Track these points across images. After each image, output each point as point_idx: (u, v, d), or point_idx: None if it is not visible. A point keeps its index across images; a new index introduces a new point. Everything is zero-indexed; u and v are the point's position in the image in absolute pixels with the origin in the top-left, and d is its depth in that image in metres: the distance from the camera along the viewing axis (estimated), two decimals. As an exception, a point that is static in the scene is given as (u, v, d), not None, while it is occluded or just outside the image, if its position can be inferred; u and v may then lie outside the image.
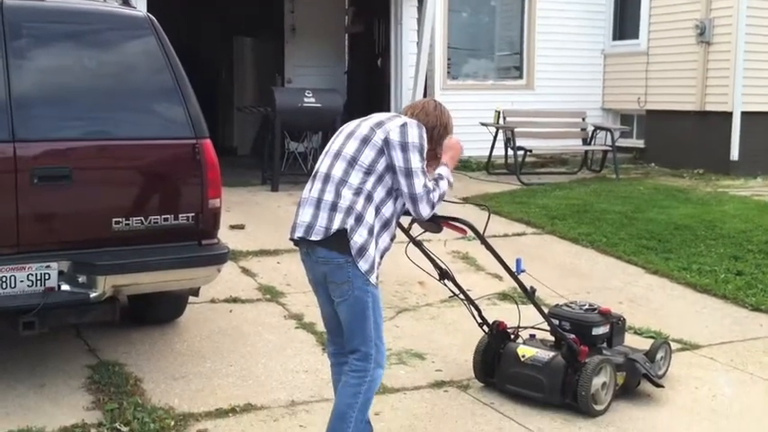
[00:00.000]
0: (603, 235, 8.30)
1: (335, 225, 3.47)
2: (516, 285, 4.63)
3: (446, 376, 4.91)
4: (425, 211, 3.59)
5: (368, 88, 13.52)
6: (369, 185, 3.53)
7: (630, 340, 5.38)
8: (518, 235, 8.45)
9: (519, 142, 11.62)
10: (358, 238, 3.47)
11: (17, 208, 4.30)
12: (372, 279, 3.53)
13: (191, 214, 4.71)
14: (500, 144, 12.04)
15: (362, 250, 3.48)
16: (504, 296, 6.12)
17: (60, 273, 4.40)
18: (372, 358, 3.57)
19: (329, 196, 3.53)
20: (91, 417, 4.23)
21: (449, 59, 13.06)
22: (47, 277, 4.36)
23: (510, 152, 11.83)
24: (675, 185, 11.25)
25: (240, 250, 7.20)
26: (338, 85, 12.87)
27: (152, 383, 4.68)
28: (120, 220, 4.55)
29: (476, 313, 4.68)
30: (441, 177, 3.70)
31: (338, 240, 3.47)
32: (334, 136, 3.74)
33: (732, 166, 12.15)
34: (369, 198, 3.52)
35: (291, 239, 3.67)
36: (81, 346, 5.16)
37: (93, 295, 4.40)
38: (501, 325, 4.76)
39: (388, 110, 11.26)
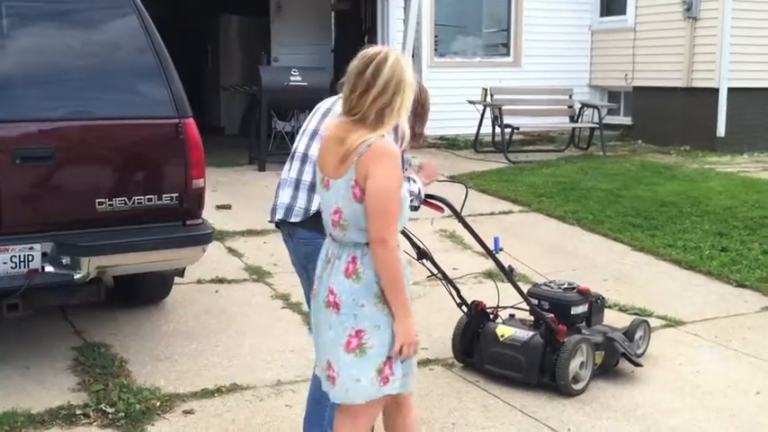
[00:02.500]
0: (590, 212, 8.32)
1: (315, 206, 3.43)
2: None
3: (431, 354, 4.92)
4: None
5: (355, 66, 13.45)
6: None
7: (615, 317, 5.41)
8: (505, 213, 8.46)
9: (506, 120, 11.60)
10: None
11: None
12: None
13: (174, 194, 4.70)
14: (487, 122, 12.03)
15: None
16: (489, 275, 6.12)
17: (44, 254, 4.38)
18: None
19: (308, 176, 3.48)
20: (76, 398, 4.23)
21: (436, 37, 13.00)
22: (30, 259, 4.35)
23: (497, 130, 11.81)
24: (662, 162, 11.28)
25: (227, 230, 7.19)
26: (325, 63, 12.79)
27: (138, 364, 4.68)
28: (104, 200, 4.53)
29: (454, 293, 4.68)
30: (413, 181, 3.74)
31: (318, 220, 3.43)
32: (311, 114, 3.70)
33: (719, 143, 12.17)
34: None
35: (271, 222, 3.64)
36: (67, 328, 5.15)
37: (77, 276, 4.40)
38: (480, 305, 4.77)
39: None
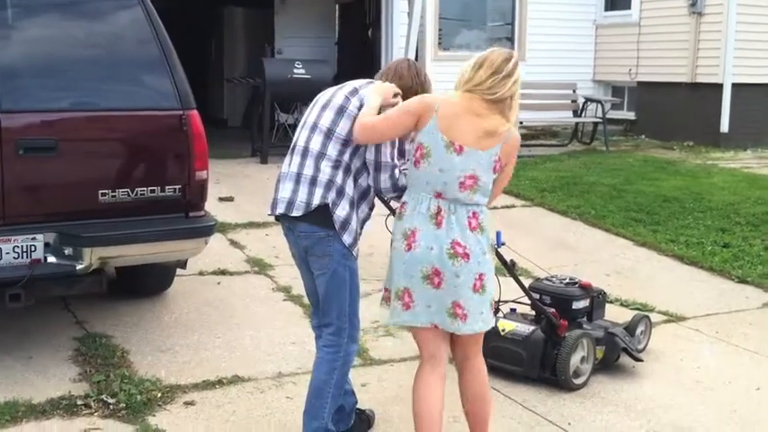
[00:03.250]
0: (592, 207, 8.32)
1: (316, 200, 3.43)
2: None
3: (433, 348, 4.92)
4: (387, 194, 3.56)
5: (358, 59, 13.44)
6: (346, 157, 3.47)
7: (617, 312, 5.42)
8: (507, 207, 8.46)
9: (509, 114, 11.56)
10: (341, 212, 3.45)
11: (2, 179, 4.28)
12: (354, 252, 3.52)
13: (177, 186, 4.70)
14: (491, 116, 12.00)
15: (345, 224, 3.46)
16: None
17: (46, 245, 4.39)
18: (346, 333, 3.54)
19: (308, 170, 3.47)
20: (78, 388, 4.24)
21: (440, 30, 12.97)
22: (33, 249, 4.35)
23: (500, 124, 11.78)
24: (665, 158, 11.26)
25: (229, 222, 7.19)
26: (328, 56, 12.80)
27: (139, 355, 4.69)
28: (107, 191, 4.54)
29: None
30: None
31: (320, 214, 3.44)
32: (310, 107, 3.68)
33: (722, 139, 12.15)
34: (347, 170, 3.48)
35: (272, 215, 3.64)
36: (69, 319, 5.16)
37: (79, 267, 4.40)
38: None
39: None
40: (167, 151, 4.77)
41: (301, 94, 10.52)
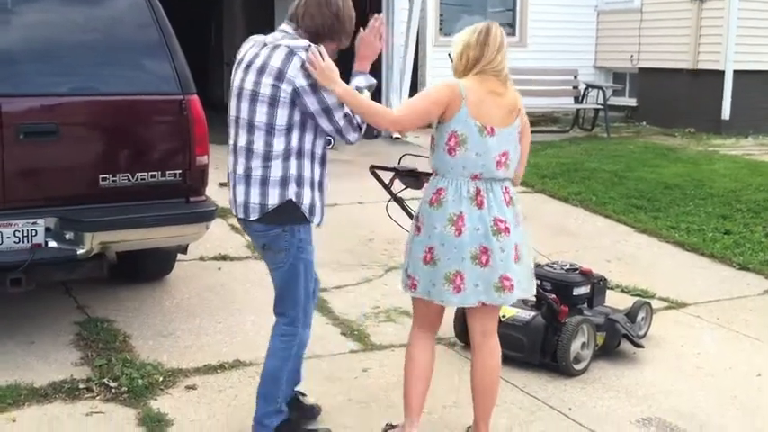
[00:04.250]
0: (593, 194, 8.32)
1: (272, 200, 3.36)
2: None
3: (434, 333, 4.93)
4: (353, 137, 3.43)
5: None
6: (294, 142, 3.35)
7: (618, 298, 5.42)
8: (508, 193, 8.44)
9: (510, 100, 11.55)
10: (305, 200, 3.40)
11: (3, 164, 4.27)
12: (309, 247, 3.49)
13: (178, 171, 4.69)
14: (491, 102, 11.98)
15: (313, 207, 3.42)
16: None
17: (47, 229, 4.39)
18: (300, 322, 3.55)
19: (257, 171, 3.36)
20: (80, 372, 4.25)
21: (441, 16, 12.93)
22: (33, 234, 4.35)
23: (501, 110, 11.76)
24: (666, 144, 11.25)
25: (229, 208, 7.16)
26: (329, 41, 12.74)
27: (141, 340, 4.69)
28: (107, 176, 4.53)
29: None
30: (359, 92, 3.42)
31: (276, 213, 3.37)
32: (234, 70, 3.47)
33: (723, 125, 12.14)
34: (299, 154, 3.36)
35: (235, 215, 3.57)
36: (70, 303, 5.17)
37: (80, 252, 4.40)
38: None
39: (380, 66, 11.15)
40: (168, 136, 4.76)
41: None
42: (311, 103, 3.31)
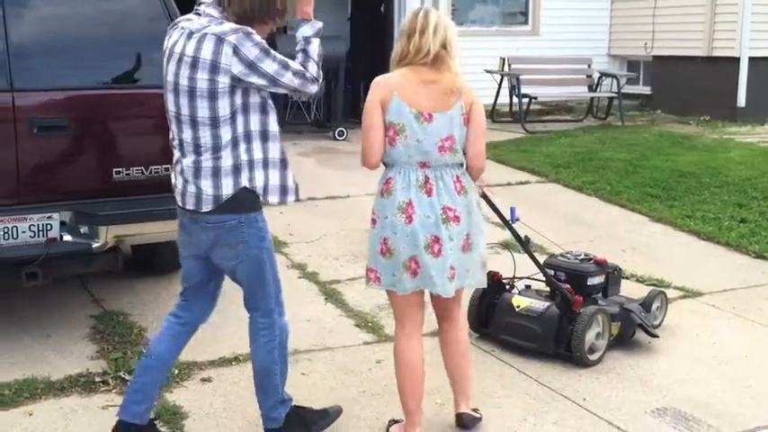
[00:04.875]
0: (608, 183, 8.28)
1: (226, 190, 3.25)
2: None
3: (448, 324, 4.93)
4: (313, 88, 3.37)
5: (371, 35, 13.37)
6: (240, 129, 3.25)
7: (633, 288, 5.40)
8: (522, 183, 8.43)
9: (524, 90, 11.52)
10: (259, 182, 3.30)
11: (17, 158, 4.30)
12: (269, 235, 3.41)
13: (191, 164, 4.69)
14: (505, 92, 11.94)
15: (267, 188, 3.33)
16: (505, 245, 6.11)
17: (62, 223, 4.41)
18: (275, 311, 3.49)
19: (208, 163, 3.25)
20: (95, 366, 4.28)
21: (453, 5, 12.88)
22: (49, 228, 4.38)
23: (515, 100, 11.74)
24: (681, 132, 11.18)
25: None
26: (341, 31, 12.71)
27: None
28: (121, 170, 4.55)
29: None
30: (307, 42, 3.38)
31: (231, 202, 3.27)
32: (170, 92, 3.29)
33: (739, 113, 12.04)
34: (247, 138, 3.27)
35: (182, 206, 3.41)
36: (86, 297, 5.20)
37: (95, 245, 4.43)
38: (496, 275, 4.76)
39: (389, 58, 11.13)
40: (181, 129, 4.76)
41: (314, 71, 10.49)
42: (256, 80, 3.21)
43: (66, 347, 4.48)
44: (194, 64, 3.19)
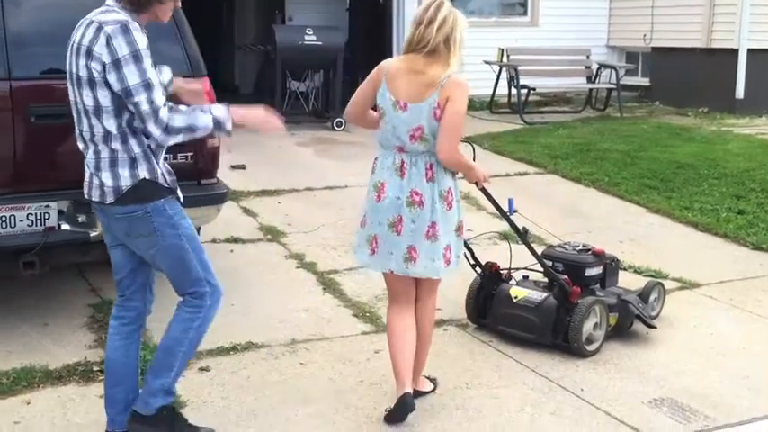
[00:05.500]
0: (606, 174, 8.28)
1: (125, 182, 3.18)
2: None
3: (445, 315, 4.94)
4: (155, 130, 3.10)
5: (370, 25, 13.35)
6: (125, 123, 3.15)
7: (631, 279, 5.41)
8: (520, 174, 8.43)
9: (522, 81, 11.51)
10: (158, 172, 3.23)
11: (15, 147, 4.29)
12: (185, 221, 3.31)
13: (189, 153, 4.69)
14: (503, 83, 11.93)
15: (172, 179, 3.29)
16: (503, 236, 6.11)
17: (60, 212, 4.40)
18: (207, 295, 3.36)
19: (105, 154, 3.18)
20: (93, 355, 4.28)
21: (452, -4, 12.83)
22: (46, 217, 4.37)
23: (513, 91, 11.73)
24: (679, 124, 11.18)
25: (241, 190, 7.20)
26: (340, 22, 12.71)
27: (154, 322, 4.64)
28: (119, 159, 4.52)
29: (468, 255, 4.67)
30: (203, 111, 3.21)
31: (133, 193, 3.20)
32: (68, 82, 3.24)
33: (737, 105, 12.04)
34: (133, 132, 3.17)
35: (87, 197, 3.35)
36: (83, 286, 5.20)
37: (93, 234, 4.41)
38: (494, 266, 4.76)
39: (390, 50, 11.11)
40: (179, 118, 4.74)
41: (313, 62, 10.50)
42: (113, 81, 3.07)
43: (64, 336, 4.48)
44: (78, 50, 3.14)
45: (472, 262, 4.70)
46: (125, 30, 3.07)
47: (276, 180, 7.52)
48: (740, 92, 12.00)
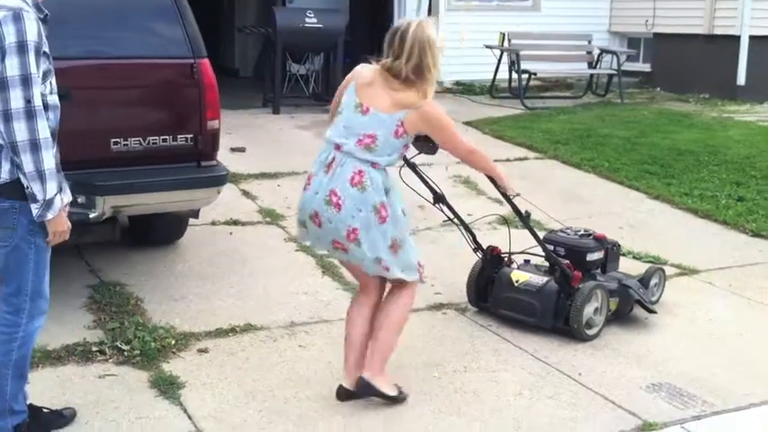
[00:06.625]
0: (606, 160, 8.26)
1: (2, 175, 3.04)
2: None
3: (445, 299, 4.94)
4: (18, 129, 2.95)
5: (371, 8, 13.29)
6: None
7: (630, 265, 5.41)
8: (520, 160, 8.41)
9: (524, 65, 11.46)
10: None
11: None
12: (42, 231, 3.15)
13: (189, 135, 4.69)
14: (504, 67, 11.88)
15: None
16: (504, 220, 6.11)
17: (59, 193, 4.38)
18: (25, 312, 3.20)
19: None
20: (92, 335, 4.28)
21: (454, -21, 12.78)
22: (45, 197, 4.34)
23: (514, 75, 11.68)
24: (680, 110, 11.15)
25: (241, 173, 7.18)
26: (340, 4, 12.62)
27: (153, 304, 4.72)
28: (119, 140, 4.53)
29: (470, 238, 4.68)
30: (53, 175, 3.06)
31: (5, 187, 3.06)
32: None
33: (739, 91, 12.00)
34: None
35: None
36: (83, 267, 5.19)
37: (92, 215, 4.41)
38: (495, 250, 4.76)
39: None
40: (179, 100, 4.74)
41: (313, 44, 10.45)
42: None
43: (64, 317, 4.47)
44: None
45: (473, 246, 4.70)
46: (17, 19, 2.95)
47: (276, 163, 7.50)
48: (741, 78, 11.96)
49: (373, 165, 3.51)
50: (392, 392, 3.75)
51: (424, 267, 3.78)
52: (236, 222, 6.15)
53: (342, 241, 3.56)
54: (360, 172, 3.50)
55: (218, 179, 4.83)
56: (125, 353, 4.10)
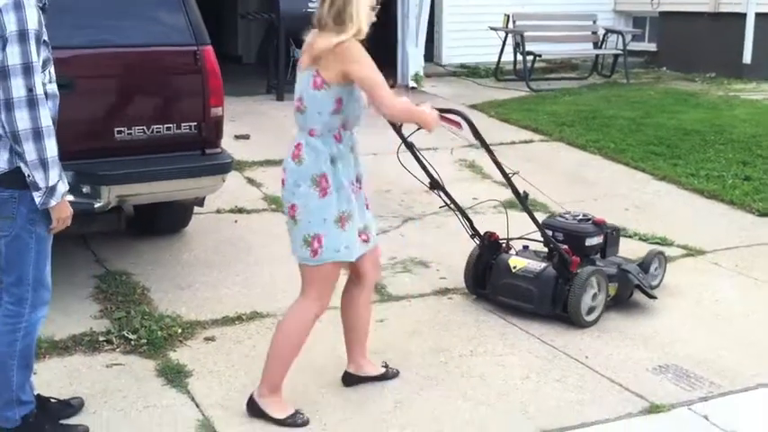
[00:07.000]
0: (612, 141, 8.23)
1: (1, 165, 3.04)
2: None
3: (450, 284, 4.94)
4: (21, 123, 2.96)
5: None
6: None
7: (636, 246, 5.40)
8: (525, 142, 8.39)
9: (528, 47, 11.41)
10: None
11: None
12: (47, 221, 3.15)
13: (193, 123, 4.68)
14: (509, 49, 11.82)
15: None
16: (510, 204, 6.10)
17: (64, 183, 4.38)
18: (28, 302, 3.19)
19: None
20: (99, 325, 4.30)
21: (457, -39, 12.70)
22: (50, 188, 4.35)
23: (519, 57, 11.63)
24: (686, 90, 11.09)
25: (245, 160, 7.18)
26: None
27: (159, 292, 4.73)
28: (123, 129, 4.53)
29: (467, 224, 4.65)
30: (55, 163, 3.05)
31: (5, 176, 3.06)
32: None
33: (745, 70, 11.93)
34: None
35: None
36: (89, 257, 5.20)
37: (97, 205, 4.41)
38: (493, 236, 4.74)
39: (395, 16, 11.00)
40: (182, 88, 4.73)
41: (316, 29, 10.39)
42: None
43: (70, 307, 4.49)
44: None
45: (470, 232, 4.68)
46: (18, 7, 2.94)
47: (280, 149, 7.39)
48: (748, 57, 11.89)
49: (310, 132, 3.35)
50: (377, 371, 3.83)
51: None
52: (241, 210, 6.15)
53: (288, 219, 3.44)
54: (298, 145, 3.39)
55: (223, 167, 4.82)
56: (132, 342, 4.11)
